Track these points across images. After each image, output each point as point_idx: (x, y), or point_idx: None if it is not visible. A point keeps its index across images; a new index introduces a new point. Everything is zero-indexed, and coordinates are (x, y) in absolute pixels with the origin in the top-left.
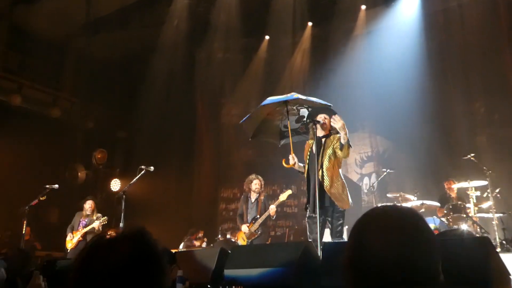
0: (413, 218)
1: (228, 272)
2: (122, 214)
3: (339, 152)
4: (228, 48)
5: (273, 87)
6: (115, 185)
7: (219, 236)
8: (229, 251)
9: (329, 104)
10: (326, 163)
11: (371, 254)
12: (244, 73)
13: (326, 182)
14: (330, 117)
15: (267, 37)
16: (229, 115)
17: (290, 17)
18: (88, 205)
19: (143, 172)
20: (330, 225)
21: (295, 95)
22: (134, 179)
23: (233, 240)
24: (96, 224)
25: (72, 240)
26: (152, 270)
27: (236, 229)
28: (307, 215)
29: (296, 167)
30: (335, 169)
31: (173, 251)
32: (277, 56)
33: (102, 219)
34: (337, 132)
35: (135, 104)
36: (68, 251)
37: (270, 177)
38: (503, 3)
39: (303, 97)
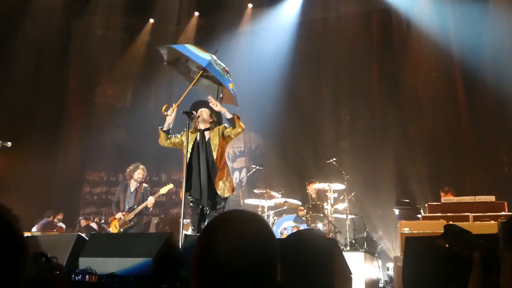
0: (259, 224)
1: (83, 260)
2: None
3: (231, 132)
4: (109, 24)
5: (153, 71)
6: None
7: (80, 219)
8: (87, 238)
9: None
10: (214, 154)
11: (217, 256)
12: (124, 53)
13: (213, 174)
14: (211, 110)
15: (151, 20)
16: (103, 94)
17: (176, 4)
18: None
19: None
20: (212, 214)
21: (212, 60)
22: None
23: (94, 226)
24: None
25: None
26: None
27: (98, 214)
28: (191, 205)
29: (169, 120)
30: (223, 159)
31: (27, 234)
32: (160, 40)
33: None
34: (219, 123)
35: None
36: None
37: (140, 161)
38: (376, 21)
39: (216, 68)
